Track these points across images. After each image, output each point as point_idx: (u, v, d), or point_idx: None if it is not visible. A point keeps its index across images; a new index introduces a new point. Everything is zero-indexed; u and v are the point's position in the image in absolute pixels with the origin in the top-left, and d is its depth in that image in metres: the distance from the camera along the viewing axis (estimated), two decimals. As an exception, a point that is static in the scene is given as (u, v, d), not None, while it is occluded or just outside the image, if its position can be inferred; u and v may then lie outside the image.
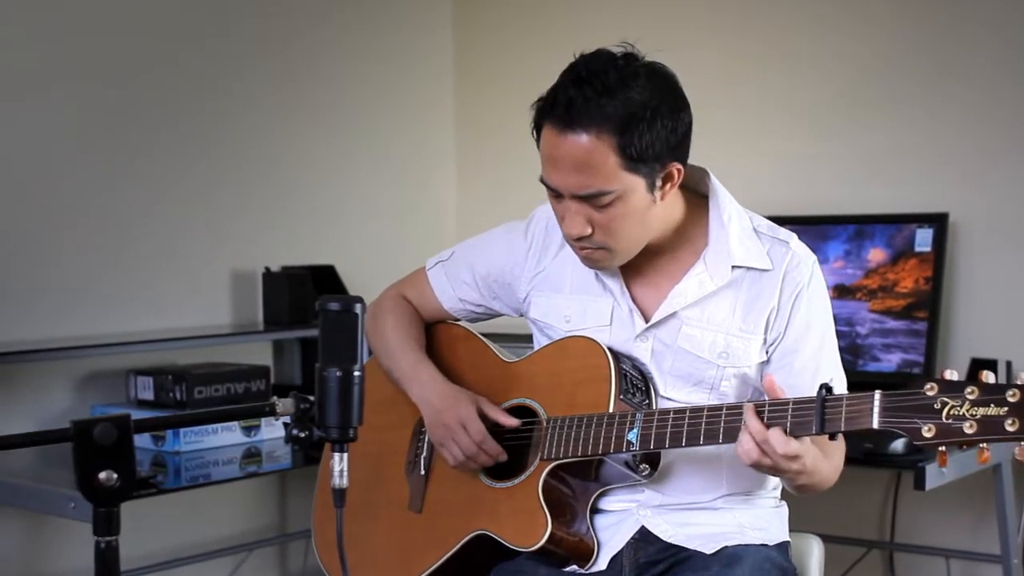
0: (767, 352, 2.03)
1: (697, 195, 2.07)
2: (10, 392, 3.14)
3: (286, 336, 3.65)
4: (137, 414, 1.81)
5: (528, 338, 2.23)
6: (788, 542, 2.14)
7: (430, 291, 2.28)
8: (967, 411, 1.67)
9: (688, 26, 3.75)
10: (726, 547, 2.01)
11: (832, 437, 1.81)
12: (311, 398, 1.56)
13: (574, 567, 2.06)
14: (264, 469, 3.21)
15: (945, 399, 1.69)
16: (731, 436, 1.85)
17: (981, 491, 3.19)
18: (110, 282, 3.35)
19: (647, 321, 2.05)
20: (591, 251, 1.99)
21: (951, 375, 1.71)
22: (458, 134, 4.25)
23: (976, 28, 3.32)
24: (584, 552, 2.04)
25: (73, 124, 3.28)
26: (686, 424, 1.90)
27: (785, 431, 1.80)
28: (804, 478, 1.89)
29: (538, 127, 1.96)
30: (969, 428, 1.67)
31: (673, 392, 2.05)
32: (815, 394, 1.80)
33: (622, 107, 1.87)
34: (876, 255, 3.25)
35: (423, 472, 2.20)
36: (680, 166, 1.95)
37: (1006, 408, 1.65)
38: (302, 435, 1.56)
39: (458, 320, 2.31)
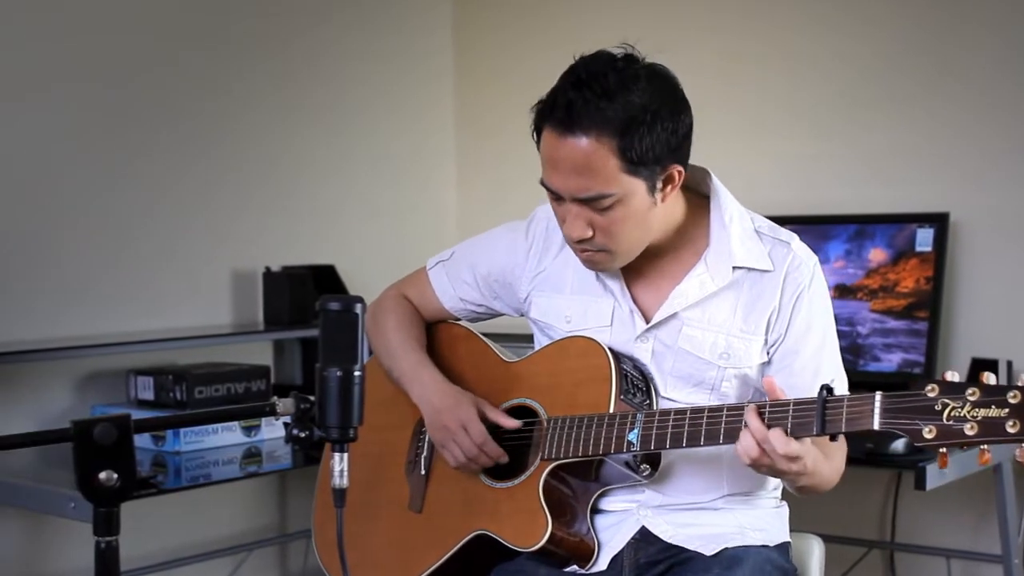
0: (768, 353, 2.03)
1: (698, 195, 2.07)
2: (10, 392, 3.14)
3: (286, 336, 3.65)
4: (137, 414, 1.80)
5: (529, 338, 2.23)
6: (789, 543, 2.14)
7: (431, 291, 2.28)
8: (968, 412, 1.67)
9: (688, 26, 3.75)
10: (726, 548, 2.01)
11: (833, 438, 1.81)
12: (311, 398, 1.56)
13: (574, 567, 2.06)
14: (264, 469, 3.21)
15: (946, 400, 1.69)
16: (732, 437, 1.85)
17: (982, 491, 3.19)
18: (110, 282, 3.35)
19: (648, 322, 2.05)
20: (592, 253, 1.99)
21: (952, 376, 1.70)
22: (458, 134, 4.25)
23: (976, 28, 3.32)
24: (584, 552, 2.04)
25: (73, 124, 3.28)
26: (687, 425, 1.90)
27: (786, 432, 1.80)
28: (805, 479, 1.89)
29: (538, 129, 1.96)
30: (970, 430, 1.67)
31: (674, 393, 2.05)
32: (816, 395, 1.80)
33: (622, 110, 1.87)
34: (877, 255, 3.25)
35: (423, 472, 2.20)
36: (681, 168, 1.95)
37: (1007, 410, 1.65)
38: (302, 435, 1.56)
39: (459, 320, 2.30)
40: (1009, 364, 3.11)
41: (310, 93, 3.82)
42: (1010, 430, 1.64)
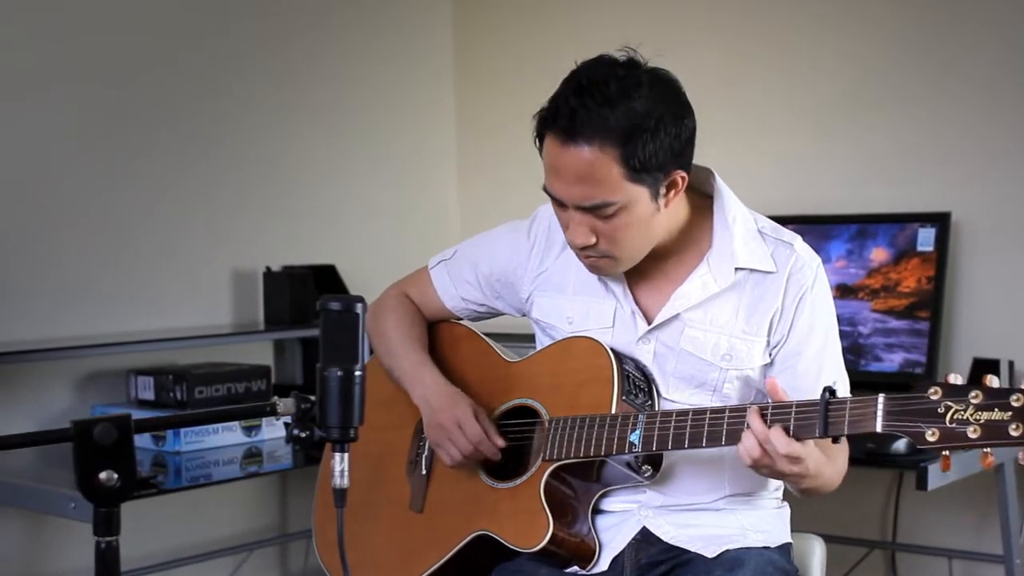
0: (770, 354, 2.03)
1: (702, 195, 2.06)
2: (10, 392, 3.13)
3: (287, 336, 3.64)
4: (137, 414, 1.80)
5: (530, 338, 2.23)
6: (790, 543, 2.13)
7: (432, 290, 2.27)
8: (971, 415, 1.67)
9: (689, 26, 3.74)
10: (728, 550, 2.00)
11: (835, 440, 1.80)
12: (312, 398, 1.55)
13: (575, 568, 2.05)
14: (265, 469, 3.21)
15: (949, 403, 1.68)
16: (734, 438, 1.84)
17: (983, 491, 3.19)
18: (110, 282, 3.34)
19: (649, 323, 2.05)
20: (595, 259, 1.99)
21: (955, 379, 1.70)
22: (459, 134, 4.24)
23: (978, 28, 3.31)
24: (585, 553, 2.04)
25: (73, 124, 3.27)
26: (688, 426, 1.89)
27: (788, 432, 1.79)
28: (807, 482, 1.89)
29: (540, 136, 1.95)
30: (973, 433, 1.66)
31: (675, 394, 2.04)
32: (818, 397, 1.79)
33: (624, 118, 1.86)
34: (878, 255, 3.24)
35: (424, 472, 2.20)
36: (684, 173, 1.94)
37: (1010, 413, 1.65)
38: (303, 435, 1.55)
39: (460, 319, 2.30)
40: (1011, 364, 3.10)
41: (310, 93, 3.81)
42: (1013, 433, 1.64)
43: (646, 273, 2.05)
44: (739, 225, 2.03)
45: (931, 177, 3.36)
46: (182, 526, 3.48)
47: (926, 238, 3.19)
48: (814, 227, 3.27)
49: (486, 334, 2.27)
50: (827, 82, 3.53)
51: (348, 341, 1.53)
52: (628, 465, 2.00)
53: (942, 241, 3.17)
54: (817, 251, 2.08)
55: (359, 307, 1.54)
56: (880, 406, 1.73)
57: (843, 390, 1.98)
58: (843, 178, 3.49)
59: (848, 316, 3.21)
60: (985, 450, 1.70)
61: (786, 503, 2.16)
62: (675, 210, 1.99)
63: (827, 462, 1.90)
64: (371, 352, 2.31)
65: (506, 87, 4.09)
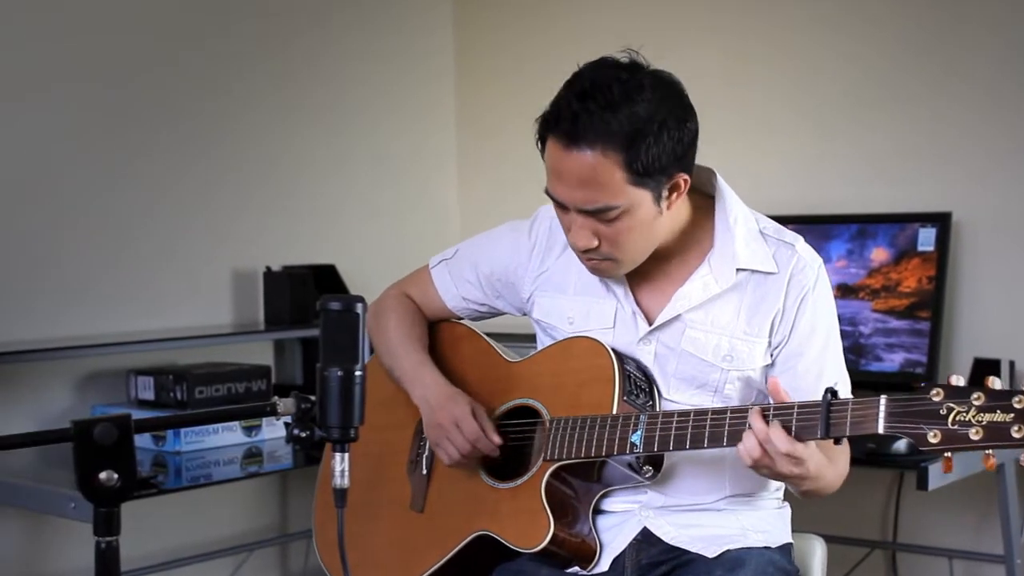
0: (771, 355, 2.02)
1: (703, 196, 2.06)
2: (10, 392, 3.13)
3: (287, 336, 3.64)
4: (138, 414, 1.80)
5: (531, 338, 2.22)
6: (791, 544, 2.13)
7: (433, 290, 2.27)
8: (973, 417, 1.66)
9: (690, 26, 3.74)
10: (729, 550, 2.00)
11: (837, 441, 1.80)
12: (312, 398, 1.55)
13: (576, 568, 2.05)
14: (265, 469, 3.21)
15: (951, 405, 1.68)
16: (735, 439, 1.84)
17: (984, 491, 3.18)
18: (110, 282, 3.34)
19: (650, 324, 2.04)
20: (597, 262, 1.99)
21: (957, 380, 1.69)
22: (459, 134, 4.24)
23: (979, 28, 3.31)
24: (586, 553, 2.04)
25: (73, 124, 3.27)
26: (690, 427, 1.89)
27: (789, 431, 1.79)
28: (808, 484, 1.88)
29: (542, 138, 1.94)
30: (975, 434, 1.66)
31: (676, 395, 2.04)
32: (819, 398, 1.79)
33: (627, 122, 1.85)
34: (879, 254, 3.24)
35: (425, 472, 2.20)
36: (687, 176, 1.94)
37: (1012, 415, 1.64)
38: (303, 435, 1.55)
39: (461, 319, 2.30)
40: (1012, 364, 3.10)
41: (310, 93, 3.81)
42: (1015, 435, 1.64)
43: (647, 273, 2.04)
44: (741, 226, 2.02)
45: (932, 177, 3.36)
46: (182, 526, 3.48)
47: (927, 238, 3.19)
48: (815, 227, 3.27)
49: (487, 334, 2.26)
50: (828, 82, 3.52)
51: (348, 341, 1.53)
52: (629, 466, 2.00)
53: (943, 241, 3.17)
54: (818, 251, 2.08)
55: (359, 307, 1.54)
56: (882, 407, 1.73)
57: (844, 391, 1.97)
58: (844, 178, 3.49)
59: (849, 316, 3.21)
60: (987, 452, 1.69)
61: (787, 503, 2.16)
62: (677, 211, 1.99)
63: (828, 464, 1.90)
64: (371, 352, 2.31)
65: (506, 87, 4.09)
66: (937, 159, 3.36)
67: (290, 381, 3.71)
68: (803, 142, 3.57)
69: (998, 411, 1.65)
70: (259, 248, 3.66)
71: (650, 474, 2.00)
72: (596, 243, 1.94)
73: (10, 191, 3.16)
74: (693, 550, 2.01)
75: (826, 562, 2.22)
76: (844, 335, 2.09)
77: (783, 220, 2.13)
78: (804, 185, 3.55)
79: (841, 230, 3.29)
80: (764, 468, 1.83)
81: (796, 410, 1.80)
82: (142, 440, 3.06)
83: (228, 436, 3.17)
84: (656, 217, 1.94)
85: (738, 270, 2.01)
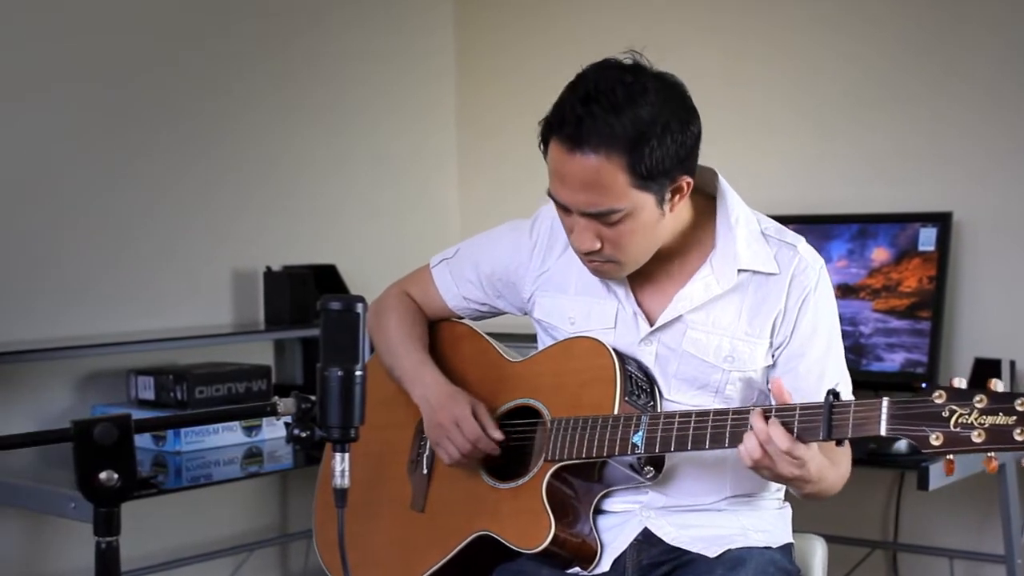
0: (773, 356, 2.02)
1: (705, 196, 2.05)
2: (10, 392, 3.13)
3: (287, 336, 3.64)
4: (138, 414, 1.80)
5: (532, 337, 2.22)
6: (792, 544, 2.13)
7: (434, 289, 2.27)
8: (975, 420, 1.66)
9: (691, 26, 3.74)
10: (730, 550, 2.00)
11: (839, 443, 1.79)
12: (312, 398, 1.55)
13: (577, 569, 2.05)
14: (265, 469, 3.21)
15: (953, 407, 1.68)
16: (736, 441, 1.84)
17: (985, 491, 3.18)
18: (110, 282, 3.34)
19: (651, 324, 2.04)
20: (600, 264, 1.98)
21: (960, 383, 1.69)
22: (459, 133, 4.24)
23: (980, 28, 3.31)
24: (587, 554, 2.03)
25: (73, 124, 3.27)
26: (691, 428, 1.89)
27: (792, 433, 1.79)
28: (810, 486, 1.88)
29: (545, 141, 1.94)
30: (977, 437, 1.66)
31: (678, 395, 2.04)
32: (821, 399, 1.79)
33: (631, 126, 1.85)
34: (880, 254, 3.24)
35: (425, 471, 2.19)
36: (689, 179, 1.94)
37: (1015, 417, 1.64)
38: (303, 435, 1.55)
39: (462, 318, 2.29)
40: (1012, 364, 3.10)
41: (310, 93, 3.81)
42: (1018, 438, 1.63)
43: (648, 274, 2.04)
44: (742, 226, 2.02)
45: (932, 177, 3.35)
46: (182, 526, 3.47)
47: (927, 238, 3.18)
48: (815, 227, 3.27)
49: (488, 333, 2.26)
50: (828, 82, 3.52)
51: (348, 341, 1.53)
52: (630, 466, 2.00)
53: (943, 241, 3.17)
54: (818, 251, 2.07)
55: (359, 307, 1.54)
56: (884, 410, 1.73)
57: (846, 392, 1.97)
58: (844, 178, 3.48)
59: (849, 316, 3.20)
60: (989, 454, 1.69)
61: (787, 503, 2.16)
62: (679, 212, 1.98)
63: (830, 466, 1.90)
64: (372, 351, 2.31)
65: (507, 87, 4.09)
66: (938, 159, 3.36)
67: (290, 381, 3.71)
68: (803, 142, 3.56)
69: (1000, 414, 1.65)
70: (259, 248, 3.66)
71: (651, 475, 1.99)
72: (599, 245, 1.94)
73: (10, 191, 3.15)
74: (694, 550, 2.01)
75: (827, 562, 2.22)
76: (845, 335, 2.09)
77: (783, 220, 2.13)
78: (805, 185, 3.55)
79: (842, 230, 3.29)
80: (765, 469, 1.82)
81: (798, 412, 1.80)
82: (142, 440, 3.06)
83: (228, 436, 3.17)
84: (659, 219, 1.94)
85: (740, 271, 2.00)
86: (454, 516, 2.13)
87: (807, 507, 2.18)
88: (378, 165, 4.00)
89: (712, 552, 2.00)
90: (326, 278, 3.66)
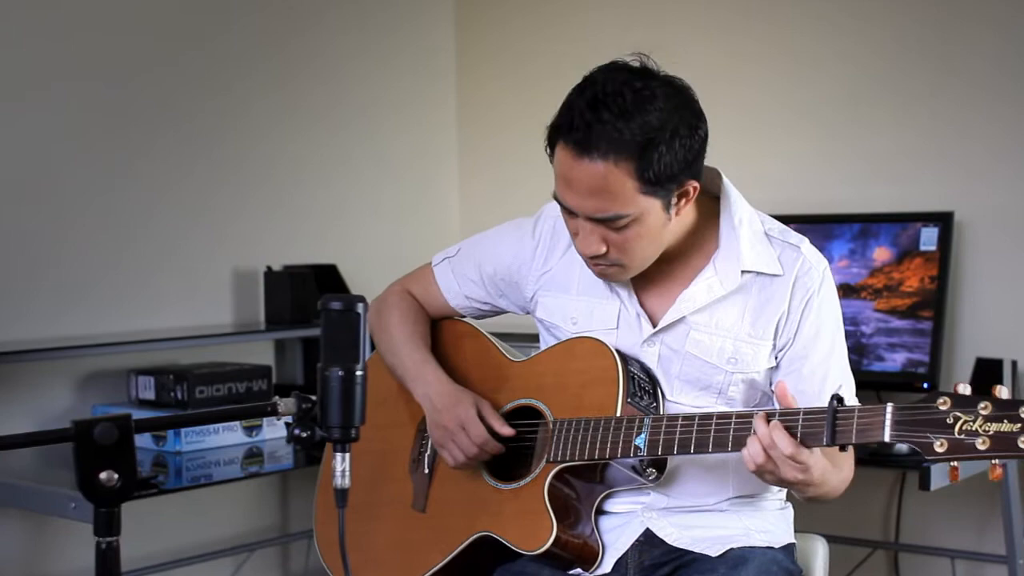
0: (776, 358, 2.01)
1: (709, 196, 2.04)
2: (10, 392, 3.13)
3: (288, 335, 3.64)
4: (138, 414, 1.79)
5: (535, 337, 2.22)
6: (793, 544, 2.13)
7: (436, 288, 2.26)
8: (980, 427, 1.65)
9: (691, 25, 3.74)
10: (732, 549, 2.00)
11: (843, 448, 1.79)
12: (313, 398, 1.54)
13: (578, 570, 2.04)
14: (266, 469, 3.20)
15: (958, 414, 1.67)
16: (739, 444, 1.83)
17: (986, 492, 3.18)
18: (110, 282, 3.34)
19: (654, 326, 2.04)
20: (605, 267, 1.98)
21: (964, 389, 1.69)
22: (460, 132, 4.24)
23: (980, 27, 3.31)
24: (589, 555, 2.03)
25: (73, 124, 3.27)
26: (695, 431, 1.88)
27: (795, 437, 1.78)
28: (812, 490, 1.88)
29: (552, 144, 1.93)
30: (981, 444, 1.65)
31: (680, 396, 2.03)
32: (824, 401, 1.78)
33: (640, 132, 1.84)
34: (881, 254, 3.23)
35: (427, 471, 2.19)
36: (696, 183, 1.93)
37: (1019, 424, 1.63)
38: (304, 435, 1.54)
39: (464, 316, 2.29)
40: (1014, 364, 3.10)
41: (311, 92, 3.81)
42: (1022, 445, 1.63)
43: (651, 275, 2.03)
44: (746, 227, 2.01)
45: (934, 176, 3.35)
46: (183, 526, 3.47)
47: (929, 237, 3.18)
48: (816, 226, 3.26)
49: (490, 332, 2.25)
50: (829, 82, 3.52)
51: (349, 341, 1.53)
52: (633, 468, 1.99)
53: (945, 240, 3.17)
54: (820, 251, 2.07)
55: (360, 307, 1.54)
56: (888, 416, 1.72)
57: (849, 394, 1.97)
58: (845, 177, 3.48)
59: (851, 316, 3.20)
60: (993, 461, 1.68)
61: (789, 504, 2.15)
62: (684, 214, 1.97)
63: (833, 469, 1.89)
64: (372, 349, 2.30)
65: (508, 86, 4.09)
66: (939, 158, 3.35)
67: (291, 381, 3.71)
68: (805, 142, 3.56)
69: (1005, 421, 1.64)
70: (260, 247, 3.65)
71: (654, 476, 1.99)
72: (604, 249, 1.93)
73: (10, 191, 3.15)
74: (696, 551, 2.00)
75: (828, 562, 2.21)
76: (846, 335, 2.09)
77: (785, 220, 2.13)
78: (805, 185, 3.54)
79: (843, 230, 3.29)
80: (768, 474, 1.82)
81: (801, 416, 1.79)
82: (142, 440, 3.06)
83: (229, 436, 3.16)
84: (665, 224, 1.93)
85: (743, 272, 2.00)
86: (455, 516, 2.12)
87: (808, 507, 2.17)
88: (379, 165, 3.99)
89: (714, 551, 1.99)
90: (327, 278, 3.65)
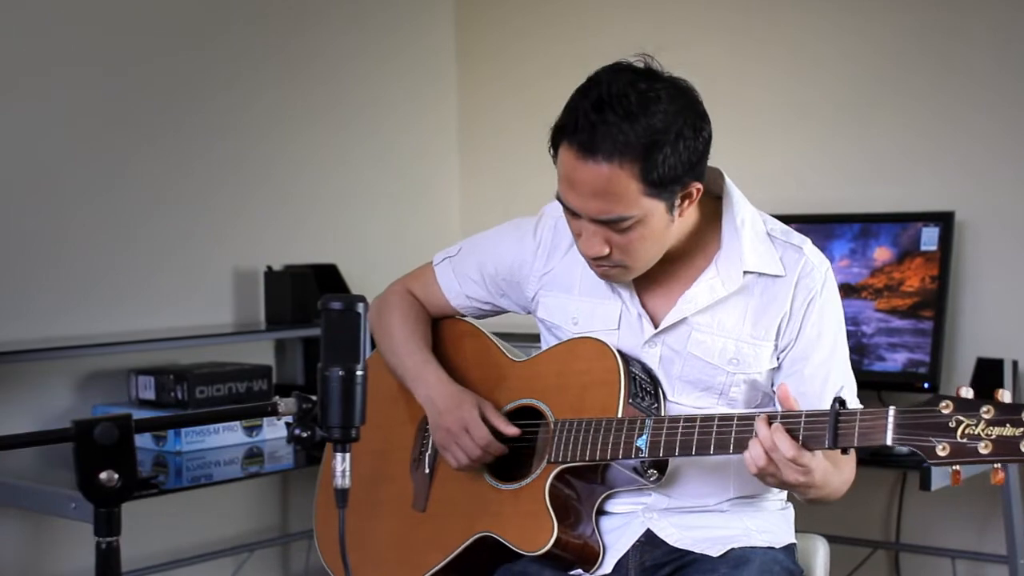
0: (777, 359, 2.01)
1: (711, 197, 2.04)
2: (10, 392, 3.13)
3: (288, 335, 3.64)
4: (138, 414, 1.79)
5: (536, 336, 2.22)
6: (794, 544, 2.13)
7: (437, 288, 2.26)
8: (982, 431, 1.65)
9: (692, 24, 3.73)
10: (733, 549, 1.99)
11: (844, 451, 1.79)
12: (313, 398, 1.54)
13: (579, 570, 2.04)
14: (266, 469, 3.20)
15: (960, 417, 1.67)
16: (741, 447, 1.83)
17: (987, 491, 3.17)
18: (110, 282, 3.33)
19: (656, 326, 2.03)
20: (608, 268, 1.97)
21: (967, 392, 1.68)
22: (461, 132, 4.23)
23: (981, 27, 3.30)
24: (589, 556, 2.03)
25: (73, 124, 3.26)
26: (696, 432, 1.88)
27: (796, 441, 1.78)
28: (814, 492, 1.87)
29: (555, 144, 1.92)
30: (984, 448, 1.65)
31: (682, 397, 2.03)
32: (825, 402, 1.78)
33: (644, 134, 1.83)
34: (882, 254, 3.23)
35: (428, 471, 2.19)
36: (700, 185, 1.92)
37: (1022, 429, 1.63)
38: (304, 435, 1.54)
39: (465, 316, 2.29)
40: (1015, 364, 3.09)
41: (311, 91, 3.80)
42: None
43: (653, 276, 2.03)
44: (748, 228, 2.01)
45: (934, 176, 3.35)
46: (183, 526, 3.47)
47: (930, 237, 3.18)
48: (817, 226, 3.26)
49: (491, 332, 2.25)
50: (830, 81, 3.52)
51: (349, 341, 1.52)
52: (634, 469, 1.99)
53: (946, 240, 3.16)
54: (820, 250, 2.06)
55: (360, 307, 1.54)
56: (890, 419, 1.72)
57: (851, 395, 1.97)
58: (846, 177, 3.48)
59: (851, 316, 3.19)
60: (995, 465, 1.68)
61: (790, 504, 2.15)
62: (686, 215, 1.97)
63: (834, 471, 1.89)
64: (373, 348, 2.30)
65: (509, 86, 4.09)
66: (940, 158, 3.35)
67: (291, 381, 3.70)
68: (805, 141, 3.56)
69: (1008, 425, 1.64)
70: (260, 247, 3.65)
71: (655, 477, 1.99)
72: (607, 251, 1.93)
73: (10, 191, 3.15)
74: (697, 551, 2.00)
75: (829, 562, 2.21)
76: (847, 335, 2.09)
77: (785, 219, 2.12)
78: (806, 184, 3.54)
79: (844, 229, 3.29)
80: (770, 476, 1.81)
81: (803, 419, 1.79)
82: (143, 440, 3.06)
83: (229, 436, 3.16)
84: (668, 225, 1.93)
85: (745, 273, 1.99)
86: (456, 516, 2.12)
87: (809, 507, 2.17)
88: (379, 164, 3.99)
89: (715, 552, 1.99)
90: (327, 277, 3.65)
